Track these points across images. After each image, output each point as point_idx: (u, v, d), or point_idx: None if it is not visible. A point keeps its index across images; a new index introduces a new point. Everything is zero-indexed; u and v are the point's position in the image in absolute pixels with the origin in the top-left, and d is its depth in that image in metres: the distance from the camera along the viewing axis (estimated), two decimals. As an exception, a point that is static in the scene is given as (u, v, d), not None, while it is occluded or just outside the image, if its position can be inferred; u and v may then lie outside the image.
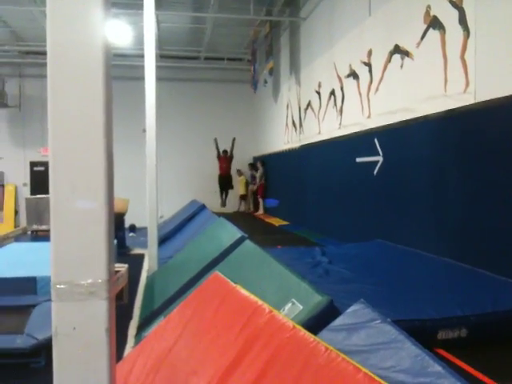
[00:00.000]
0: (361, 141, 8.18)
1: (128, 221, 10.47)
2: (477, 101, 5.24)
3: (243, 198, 16.81)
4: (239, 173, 16.85)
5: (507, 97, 4.76)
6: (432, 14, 6.10)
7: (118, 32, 12.87)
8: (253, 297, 2.74)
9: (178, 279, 5.14)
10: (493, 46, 5.03)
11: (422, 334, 3.24)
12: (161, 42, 15.01)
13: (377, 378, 1.81)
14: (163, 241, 8.76)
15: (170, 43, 15.65)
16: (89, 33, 1.48)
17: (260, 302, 2.64)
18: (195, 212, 10.16)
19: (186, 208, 11.97)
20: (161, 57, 15.64)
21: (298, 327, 2.32)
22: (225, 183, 15.42)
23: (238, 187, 16.89)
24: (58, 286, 1.47)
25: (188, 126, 16.97)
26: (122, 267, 5.38)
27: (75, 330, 1.50)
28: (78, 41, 1.48)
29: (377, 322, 2.20)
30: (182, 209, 12.30)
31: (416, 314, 3.70)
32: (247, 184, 16.77)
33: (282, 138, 13.78)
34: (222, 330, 2.70)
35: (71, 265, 1.48)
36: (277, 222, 12.94)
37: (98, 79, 1.48)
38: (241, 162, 16.92)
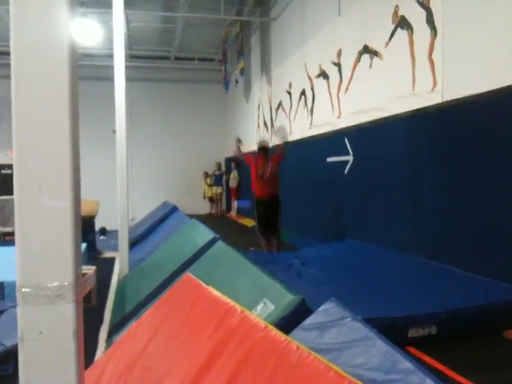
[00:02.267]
0: (331, 140, 8.24)
1: (99, 224, 10.32)
2: (444, 100, 5.33)
3: (211, 200, 16.77)
4: (206, 175, 16.81)
5: (473, 96, 4.85)
6: (400, 13, 6.18)
7: (86, 31, 12.67)
8: (225, 298, 2.73)
9: (149, 282, 5.09)
10: (459, 45, 5.13)
11: (393, 331, 3.28)
12: (131, 42, 14.87)
13: (347, 376, 1.82)
14: (135, 243, 8.67)
15: (140, 43, 15.51)
16: (54, 32, 1.45)
17: (232, 303, 2.63)
18: (167, 214, 10.09)
19: (157, 210, 11.87)
20: (131, 57, 15.51)
21: (270, 327, 2.32)
22: (268, 210, 7.69)
23: (205, 189, 16.90)
24: (23, 290, 1.44)
25: (159, 126, 16.84)
26: (90, 269, 5.30)
27: (42, 334, 1.47)
28: (43, 40, 1.45)
29: (347, 320, 2.22)
30: (154, 211, 12.20)
31: (387, 312, 3.73)
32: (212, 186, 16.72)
33: (254, 138, 13.79)
34: (195, 332, 2.68)
35: (37, 267, 1.45)
36: (249, 222, 12.92)
37: (63, 79, 1.46)
38: (211, 163, 16.86)
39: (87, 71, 14.54)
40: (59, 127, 1.45)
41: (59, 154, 1.43)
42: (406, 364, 1.82)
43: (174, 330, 2.82)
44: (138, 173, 15.00)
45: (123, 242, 6.65)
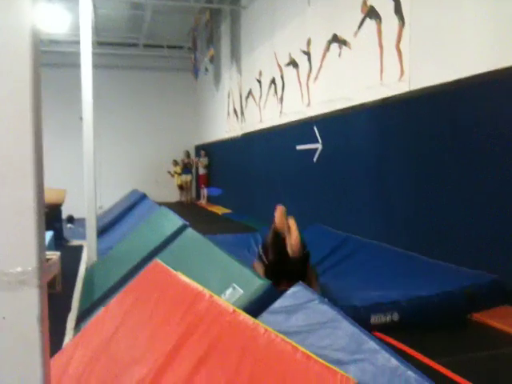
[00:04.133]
0: (301, 128, 8.28)
1: (66, 212, 10.17)
2: (411, 89, 5.41)
3: (181, 188, 16.64)
4: (175, 163, 16.66)
5: (439, 85, 4.94)
6: (369, 3, 6.22)
7: (53, 17, 12.37)
8: (193, 283, 2.74)
9: (118, 270, 5.04)
10: (426, 35, 5.20)
11: (356, 319, 3.32)
12: (98, 29, 14.57)
13: (314, 357, 1.85)
14: (103, 232, 8.57)
15: (107, 30, 15.20)
16: (15, 17, 1.42)
17: (200, 288, 2.64)
18: (136, 202, 9.99)
19: (126, 198, 11.75)
20: (98, 43, 15.21)
21: (238, 311, 2.34)
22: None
23: (175, 178, 16.74)
24: (-15, 275, 1.42)
25: (128, 114, 16.61)
26: (54, 255, 5.23)
27: (5, 319, 1.45)
28: (3, 25, 1.41)
29: (314, 302, 2.25)
30: (123, 199, 12.08)
31: (350, 301, 3.76)
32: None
33: (224, 127, 13.75)
34: (163, 318, 2.68)
35: (-1, 253, 1.42)
36: (220, 210, 12.93)
37: (25, 66, 1.42)
38: (181, 151, 16.74)
39: (53, 58, 14.22)
40: (21, 115, 1.42)
41: (21, 141, 1.40)
42: (371, 344, 1.86)
43: (143, 317, 2.81)
44: (106, 160, 14.75)
45: (91, 230, 6.56)
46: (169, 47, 16.75)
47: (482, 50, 4.47)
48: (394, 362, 1.73)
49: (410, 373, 1.66)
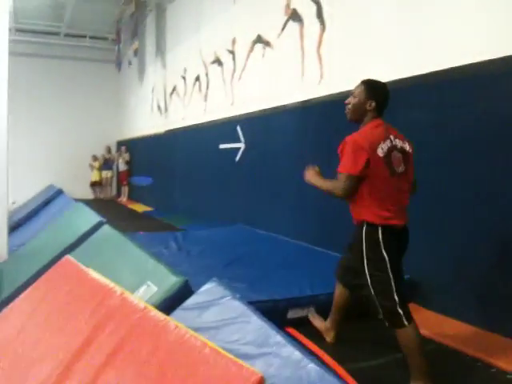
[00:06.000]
0: (224, 127, 8.31)
1: (-25, 206, 9.60)
2: (329, 93, 5.58)
3: (95, 184, 16.14)
4: (94, 158, 16.18)
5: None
6: (292, 6, 6.37)
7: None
8: (104, 280, 2.68)
9: (29, 267, 4.82)
10: (345, 40, 5.38)
11: (275, 314, 3.38)
12: (18, 15, 13.88)
13: (222, 351, 1.87)
14: (15, 228, 8.17)
15: (28, 17, 14.50)
16: None
17: (112, 285, 2.59)
18: (51, 197, 9.59)
19: (41, 193, 11.26)
20: (17, 30, 14.51)
21: (150, 308, 2.32)
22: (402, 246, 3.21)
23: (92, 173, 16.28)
24: None
25: (47, 105, 15.89)
26: None
27: None
28: None
29: (227, 298, 2.28)
30: (38, 194, 11.57)
31: (269, 295, 3.84)
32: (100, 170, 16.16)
33: (147, 123, 13.53)
34: (73, 315, 2.61)
35: None
36: (140, 208, 12.72)
37: None
38: (101, 146, 16.31)
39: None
40: None
41: None
42: (277, 338, 1.92)
43: (51, 314, 2.72)
44: (21, 154, 14.08)
45: (1, 226, 6.23)
46: (92, 38, 16.25)
47: (395, 59, 4.69)
48: (297, 354, 1.79)
49: (311, 365, 1.73)
